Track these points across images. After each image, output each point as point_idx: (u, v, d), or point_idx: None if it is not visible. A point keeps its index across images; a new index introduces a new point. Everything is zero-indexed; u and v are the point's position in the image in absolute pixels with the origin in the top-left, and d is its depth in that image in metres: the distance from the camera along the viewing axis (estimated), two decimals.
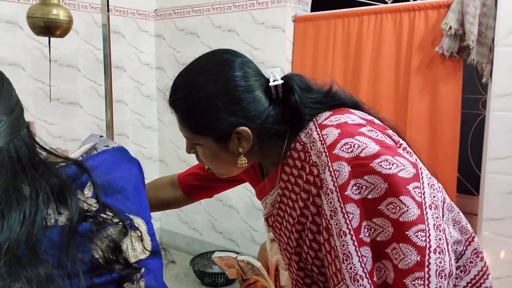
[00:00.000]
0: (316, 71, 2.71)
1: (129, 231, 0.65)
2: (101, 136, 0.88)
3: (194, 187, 1.21)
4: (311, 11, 2.92)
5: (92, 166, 0.67)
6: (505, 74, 2.07)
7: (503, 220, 2.13)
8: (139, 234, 0.67)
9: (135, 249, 0.65)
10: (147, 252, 0.67)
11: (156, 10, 3.45)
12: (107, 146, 0.82)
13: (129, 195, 0.70)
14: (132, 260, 0.65)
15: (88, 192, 0.65)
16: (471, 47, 2.12)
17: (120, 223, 0.64)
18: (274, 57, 2.86)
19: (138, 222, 0.69)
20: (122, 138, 3.30)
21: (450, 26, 2.16)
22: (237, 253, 2.11)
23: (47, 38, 2.06)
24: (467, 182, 2.54)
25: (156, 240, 0.71)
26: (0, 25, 2.58)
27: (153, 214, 0.80)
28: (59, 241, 0.58)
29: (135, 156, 0.80)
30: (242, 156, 0.88)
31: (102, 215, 0.63)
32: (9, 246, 0.54)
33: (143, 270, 0.66)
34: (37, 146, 0.65)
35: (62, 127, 2.92)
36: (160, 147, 3.62)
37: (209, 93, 0.84)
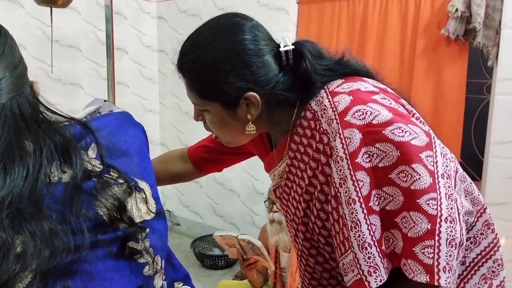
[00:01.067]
0: None
1: (133, 191, 0.64)
2: (105, 100, 0.87)
3: (204, 159, 1.20)
4: None
5: (96, 127, 0.66)
6: (511, 57, 2.05)
7: (505, 205, 2.13)
8: (144, 196, 0.66)
9: (139, 210, 0.65)
10: (151, 213, 0.67)
11: None
12: (111, 110, 0.81)
13: (134, 158, 0.69)
14: (137, 220, 0.64)
15: (92, 153, 0.64)
16: (477, 30, 2.10)
17: (125, 183, 0.63)
18: None
19: (143, 185, 0.68)
20: None
21: (457, 8, 2.14)
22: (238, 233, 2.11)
23: (49, 14, 2.04)
24: (470, 167, 2.54)
25: (161, 203, 0.71)
26: (1, 3, 2.55)
27: None
28: (63, 197, 0.57)
29: None
30: (250, 123, 0.86)
31: (106, 175, 0.62)
32: (11, 200, 0.53)
33: (147, 230, 0.65)
34: (41, 105, 0.64)
35: (63, 108, 2.84)
36: (162, 131, 3.61)
37: (218, 56, 0.82)
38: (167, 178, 1.23)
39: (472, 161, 2.52)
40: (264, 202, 2.30)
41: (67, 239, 0.56)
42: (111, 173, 0.63)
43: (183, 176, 1.26)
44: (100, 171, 0.62)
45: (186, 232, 3.56)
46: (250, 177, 3.10)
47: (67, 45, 2.90)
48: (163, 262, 0.70)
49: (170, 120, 3.53)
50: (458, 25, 2.18)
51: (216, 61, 0.83)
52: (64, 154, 0.60)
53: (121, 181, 0.63)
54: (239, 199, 3.25)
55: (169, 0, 3.36)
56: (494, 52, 2.12)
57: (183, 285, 0.77)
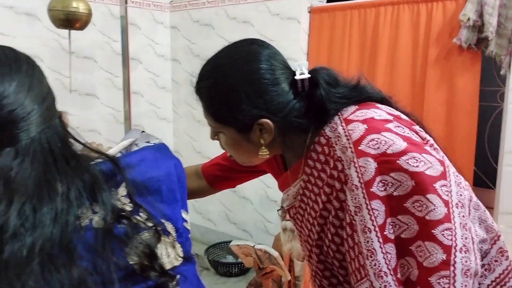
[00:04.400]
0: (332, 63, 2.70)
1: (162, 236, 0.62)
2: (142, 131, 0.86)
3: (218, 177, 1.22)
4: (327, 1, 2.90)
5: (129, 163, 0.65)
6: None
7: None
8: (172, 240, 0.65)
9: (169, 255, 0.63)
10: (180, 258, 0.65)
11: (171, 1, 3.45)
12: (148, 142, 0.80)
13: (164, 197, 0.68)
14: (167, 266, 0.63)
15: (122, 191, 0.63)
16: (490, 39, 2.10)
17: (154, 227, 0.61)
18: (289, 49, 2.85)
19: (169, 228, 0.66)
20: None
21: (469, 17, 2.14)
22: (254, 242, 2.14)
23: (66, 30, 2.09)
24: (484, 176, 2.53)
25: (190, 245, 0.69)
26: (19, 17, 2.61)
27: None
28: (94, 244, 0.56)
29: None
30: (263, 147, 0.88)
31: (136, 217, 0.61)
32: (42, 245, 0.51)
33: (178, 277, 0.64)
34: (70, 136, 0.63)
35: (79, 118, 2.95)
36: (175, 139, 3.65)
37: (233, 85, 0.84)
38: None
39: (486, 169, 2.51)
40: (278, 210, 2.32)
41: None
42: (140, 213, 0.62)
43: (197, 192, 1.28)
44: (130, 211, 0.61)
45: (200, 239, 3.60)
46: (263, 184, 3.12)
47: (82, 56, 2.96)
48: None
49: (184, 128, 3.57)
50: (470, 34, 2.18)
51: (231, 89, 0.85)
52: (93, 194, 0.58)
53: (150, 224, 0.61)
54: (252, 207, 3.27)
55: (182, 10, 3.40)
56: (507, 61, 2.12)
57: None
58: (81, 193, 0.57)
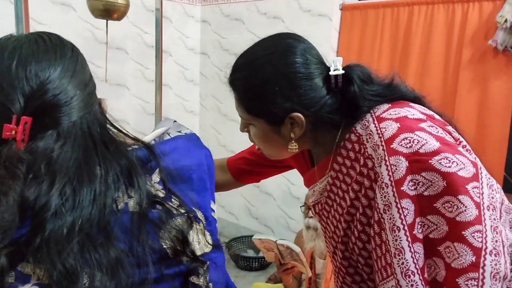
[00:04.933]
0: (362, 62, 2.64)
1: (194, 223, 0.64)
2: (174, 121, 0.88)
3: (243, 171, 1.23)
4: None
5: (163, 151, 0.67)
6: None
7: None
8: (202, 227, 0.66)
9: (199, 242, 0.65)
10: (209, 245, 0.67)
11: None
12: (179, 131, 0.81)
13: (194, 186, 0.69)
14: (198, 252, 0.64)
15: (156, 177, 0.64)
16: None
17: (186, 214, 0.63)
18: (318, 46, 2.79)
19: (199, 215, 0.68)
20: None
21: (506, 19, 2.08)
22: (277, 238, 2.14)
23: (101, 20, 2.13)
24: None
25: (217, 233, 0.70)
26: (55, 6, 2.68)
27: None
28: (130, 227, 0.57)
29: None
30: (293, 141, 0.89)
31: (169, 203, 0.62)
32: (81, 224, 0.53)
33: (208, 263, 0.65)
34: (109, 123, 0.65)
35: (109, 108, 3.00)
36: (201, 132, 3.69)
37: (268, 77, 0.85)
38: None
39: None
40: (301, 207, 2.32)
41: (133, 272, 0.55)
42: (173, 199, 0.63)
43: (222, 186, 1.29)
44: (163, 197, 0.62)
45: (221, 231, 3.63)
46: (287, 181, 3.13)
47: (114, 47, 3.01)
48: None
49: (210, 121, 3.60)
50: (507, 36, 2.12)
51: (265, 82, 0.85)
52: (129, 178, 0.60)
53: (182, 210, 0.63)
54: (274, 202, 3.28)
55: (213, 4, 3.42)
56: None
57: None
58: (119, 177, 0.59)
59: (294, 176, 3.33)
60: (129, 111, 3.13)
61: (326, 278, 2.19)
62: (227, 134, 3.47)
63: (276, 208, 3.27)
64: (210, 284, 0.66)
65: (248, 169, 1.22)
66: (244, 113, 0.91)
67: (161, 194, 0.63)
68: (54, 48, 0.60)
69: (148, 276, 0.57)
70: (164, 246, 0.60)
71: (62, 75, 0.58)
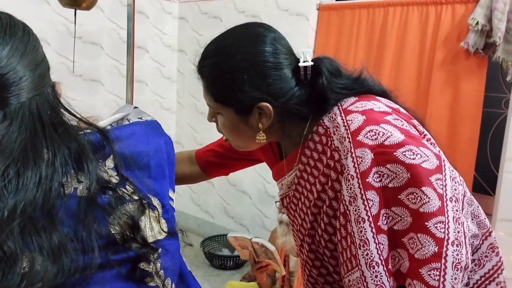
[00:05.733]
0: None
1: (147, 209, 0.63)
2: (135, 107, 0.85)
3: (211, 163, 1.22)
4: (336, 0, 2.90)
5: (119, 136, 0.65)
6: None
7: None
8: (157, 215, 0.65)
9: (153, 229, 0.63)
10: (163, 233, 0.65)
11: None
12: (140, 118, 0.79)
13: (152, 173, 0.68)
14: (150, 239, 0.63)
15: (110, 163, 0.63)
16: (497, 44, 2.09)
17: (139, 200, 0.62)
18: (295, 45, 2.79)
19: (156, 203, 0.66)
20: None
21: (477, 22, 2.13)
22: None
23: (73, 12, 2.09)
24: (484, 182, 2.52)
25: (174, 222, 0.69)
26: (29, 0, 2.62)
27: None
28: (77, 211, 0.56)
29: None
30: (261, 132, 0.88)
31: (122, 189, 0.61)
32: (24, 207, 0.51)
33: (160, 250, 0.64)
34: (61, 107, 0.62)
35: (82, 103, 2.96)
36: (178, 129, 3.66)
37: (237, 65, 0.84)
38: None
39: (487, 176, 2.50)
40: (276, 202, 2.33)
41: (77, 257, 0.54)
42: (127, 186, 0.61)
43: (190, 178, 1.28)
44: (116, 183, 0.60)
45: (197, 230, 3.60)
46: (263, 179, 3.13)
47: (89, 42, 2.96)
48: (173, 285, 0.68)
49: (187, 119, 3.57)
50: (478, 38, 2.17)
51: (234, 70, 0.85)
52: (79, 162, 0.58)
53: (135, 197, 0.61)
54: (250, 201, 3.27)
55: (190, 1, 3.40)
56: None
57: None
58: (67, 161, 0.57)
59: (270, 175, 3.32)
60: (103, 107, 3.08)
61: (298, 275, 2.20)
62: (203, 132, 3.45)
63: (251, 207, 3.27)
64: (161, 271, 0.64)
65: (216, 162, 1.21)
66: (212, 102, 0.90)
67: (114, 180, 0.61)
68: (3, 27, 0.58)
69: (93, 262, 0.55)
70: (113, 232, 0.58)
71: (11, 54, 0.56)
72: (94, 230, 0.56)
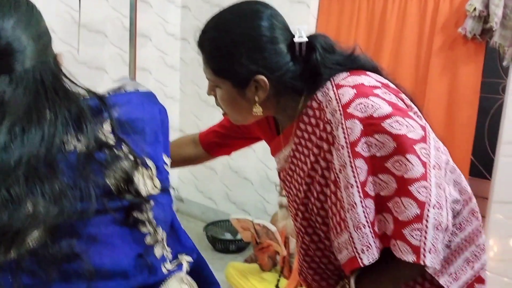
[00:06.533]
0: None
1: (140, 166, 0.67)
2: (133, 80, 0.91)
3: (214, 144, 1.28)
4: None
5: (116, 102, 0.69)
6: None
7: None
8: (150, 174, 0.69)
9: (146, 185, 0.68)
10: (157, 189, 0.70)
11: None
12: (136, 89, 0.82)
13: (147, 138, 0.72)
14: (143, 194, 0.68)
15: (107, 127, 0.67)
16: (494, 30, 2.12)
17: (134, 159, 0.67)
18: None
19: (150, 164, 0.70)
20: None
21: (475, 8, 2.16)
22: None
23: (78, 1, 2.13)
24: (482, 166, 2.56)
25: (168, 183, 0.73)
26: None
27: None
28: (76, 164, 0.61)
29: None
30: (257, 104, 0.93)
31: (118, 149, 0.66)
32: (28, 159, 0.57)
33: (152, 202, 0.69)
34: (62, 75, 0.67)
35: None
36: (181, 118, 3.71)
37: (235, 39, 0.90)
38: (179, 161, 1.32)
39: (484, 160, 2.54)
40: (276, 186, 2.38)
41: (75, 202, 0.60)
42: (123, 147, 0.66)
43: (194, 159, 1.34)
44: (113, 145, 0.66)
45: (200, 216, 3.67)
46: (264, 166, 3.18)
47: (94, 30, 3.01)
48: (164, 234, 0.73)
49: (190, 107, 3.62)
50: (476, 24, 2.20)
51: (232, 43, 0.90)
52: (78, 124, 0.64)
53: (131, 157, 0.66)
54: (252, 187, 3.33)
55: None
56: (510, 52, 2.14)
57: (185, 255, 0.80)
58: (68, 122, 0.63)
59: (271, 162, 3.37)
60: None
61: (297, 257, 2.26)
62: (206, 120, 3.50)
63: (253, 193, 3.33)
64: (153, 220, 0.69)
65: (218, 142, 1.27)
66: (211, 75, 0.95)
67: (111, 142, 0.66)
68: (9, 2, 0.63)
69: (90, 207, 0.61)
70: (109, 183, 0.64)
71: (16, 25, 0.61)
72: (92, 180, 0.62)
